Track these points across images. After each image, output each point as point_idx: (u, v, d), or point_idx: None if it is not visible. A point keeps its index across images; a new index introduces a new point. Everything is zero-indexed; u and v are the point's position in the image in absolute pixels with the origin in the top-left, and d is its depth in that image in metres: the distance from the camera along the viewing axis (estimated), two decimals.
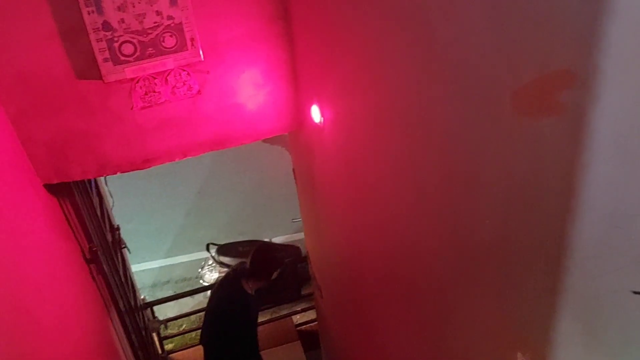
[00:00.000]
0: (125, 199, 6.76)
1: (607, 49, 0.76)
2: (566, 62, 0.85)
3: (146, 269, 7.23)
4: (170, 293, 6.65)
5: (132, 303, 4.24)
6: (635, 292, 0.86)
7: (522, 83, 0.96)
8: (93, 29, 2.22)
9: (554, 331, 1.05)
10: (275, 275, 3.51)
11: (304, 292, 5.54)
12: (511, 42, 0.97)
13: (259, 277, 3.54)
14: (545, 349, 1.09)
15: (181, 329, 6.13)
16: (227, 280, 3.75)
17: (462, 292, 1.45)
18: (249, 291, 3.56)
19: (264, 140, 9.02)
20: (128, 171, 2.62)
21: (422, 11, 1.29)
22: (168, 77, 2.44)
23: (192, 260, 7.28)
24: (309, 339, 5.42)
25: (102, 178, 4.11)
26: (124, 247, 4.46)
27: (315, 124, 2.44)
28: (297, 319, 5.86)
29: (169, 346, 5.76)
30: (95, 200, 3.63)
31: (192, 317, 6.04)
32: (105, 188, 4.19)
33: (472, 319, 1.42)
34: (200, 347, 5.07)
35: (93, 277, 3.17)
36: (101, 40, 2.24)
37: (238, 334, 3.66)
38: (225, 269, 5.87)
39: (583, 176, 0.87)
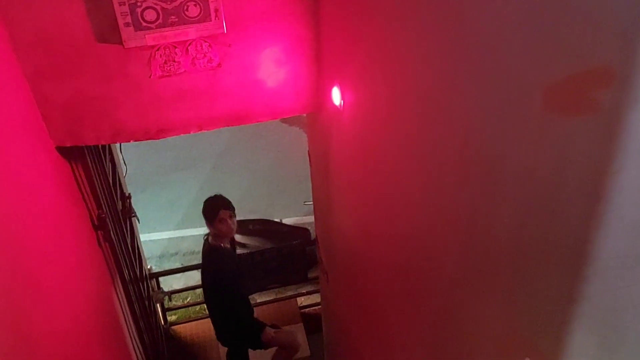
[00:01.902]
0: (140, 169, 6.77)
1: None
2: (606, 59, 0.80)
3: (155, 239, 7.25)
4: (177, 265, 6.66)
5: (138, 272, 4.25)
6: None
7: (556, 78, 0.91)
8: None
9: (567, 341, 1.01)
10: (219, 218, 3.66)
11: (311, 275, 5.53)
12: (547, 35, 0.92)
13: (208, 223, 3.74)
14: (555, 358, 1.05)
15: (186, 301, 6.16)
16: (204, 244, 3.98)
17: (472, 290, 1.41)
18: (215, 243, 3.77)
19: (282, 121, 9.04)
20: (142, 140, 2.60)
21: None
22: (189, 48, 2.39)
23: (202, 234, 7.23)
24: (312, 322, 5.44)
25: (116, 146, 4.10)
26: (134, 216, 4.46)
27: (335, 107, 2.39)
28: (302, 301, 5.86)
29: (172, 318, 5.79)
30: (108, 166, 3.62)
31: (198, 290, 6.05)
32: (120, 155, 4.18)
33: (480, 318, 1.39)
34: (203, 321, 5.12)
35: (100, 244, 3.16)
36: (124, 4, 2.20)
37: (215, 286, 3.86)
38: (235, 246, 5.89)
39: (612, 181, 0.82)
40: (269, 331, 4.04)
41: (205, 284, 3.96)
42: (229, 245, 3.82)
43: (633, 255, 0.83)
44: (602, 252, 0.88)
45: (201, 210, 3.73)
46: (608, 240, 0.87)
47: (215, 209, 3.65)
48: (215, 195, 3.77)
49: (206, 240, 3.85)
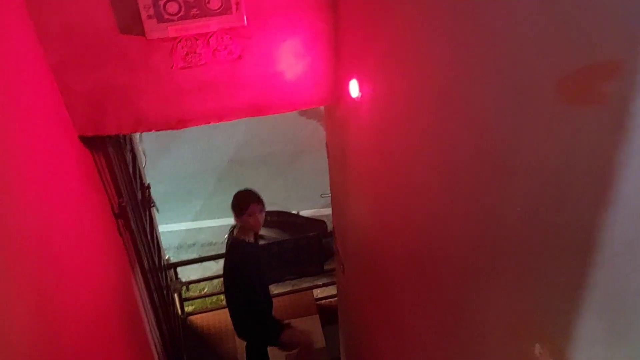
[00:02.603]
0: (160, 160, 6.84)
1: None
2: (613, 52, 0.82)
3: (173, 230, 7.33)
4: (194, 256, 6.73)
5: (157, 262, 4.30)
6: None
7: (569, 70, 0.93)
8: None
9: (576, 326, 1.03)
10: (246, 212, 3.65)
11: (327, 267, 5.55)
12: (558, 30, 0.94)
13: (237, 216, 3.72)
14: (565, 344, 1.08)
15: (203, 292, 6.23)
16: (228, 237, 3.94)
17: (484, 278, 1.43)
18: (240, 237, 3.74)
19: (300, 114, 9.06)
20: (163, 130, 2.64)
21: None
22: (210, 40, 2.43)
23: (219, 226, 7.35)
24: (328, 313, 5.45)
25: (136, 137, 4.15)
26: (153, 206, 4.51)
27: (353, 99, 2.42)
28: (318, 293, 5.89)
29: (189, 308, 5.85)
30: (129, 157, 3.67)
31: (215, 281, 6.12)
32: (140, 146, 4.23)
33: (492, 305, 1.41)
34: (220, 312, 5.15)
35: (120, 233, 3.21)
36: None
37: (235, 280, 3.84)
38: None
39: (620, 170, 0.84)
40: (288, 334, 4.05)
41: (225, 276, 3.98)
42: (253, 240, 3.84)
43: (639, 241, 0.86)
44: (610, 239, 0.90)
45: (231, 203, 3.72)
46: (616, 228, 0.88)
47: (247, 202, 3.65)
48: (246, 189, 3.77)
49: (231, 233, 3.88)
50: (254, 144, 8.71)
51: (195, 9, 2.32)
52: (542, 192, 1.06)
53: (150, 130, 2.62)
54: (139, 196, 3.86)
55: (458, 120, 1.44)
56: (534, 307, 1.18)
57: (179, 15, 2.32)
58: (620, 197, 0.86)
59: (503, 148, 1.21)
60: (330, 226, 5.85)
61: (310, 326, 5.27)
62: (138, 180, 3.99)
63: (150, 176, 4.68)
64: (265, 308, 3.98)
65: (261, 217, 3.70)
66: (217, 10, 2.35)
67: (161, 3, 2.27)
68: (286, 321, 4.23)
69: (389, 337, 2.69)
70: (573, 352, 1.07)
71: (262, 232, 6.37)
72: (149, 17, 2.28)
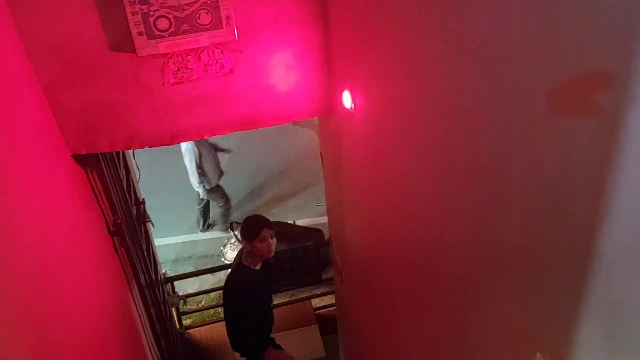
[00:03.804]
0: (152, 173, 6.82)
1: None
2: (606, 62, 0.83)
3: (169, 243, 7.30)
4: (191, 269, 6.71)
5: (153, 277, 4.28)
6: None
7: (559, 81, 0.94)
8: (129, 1, 2.21)
9: (576, 334, 1.03)
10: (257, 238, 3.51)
11: (324, 276, 5.54)
12: (550, 40, 0.95)
13: (247, 242, 3.60)
14: (566, 351, 1.08)
15: (200, 305, 6.19)
16: (235, 259, 3.85)
17: (483, 287, 1.43)
18: (246, 263, 3.63)
19: (293, 123, 9.04)
20: (156, 146, 2.63)
21: (461, 1, 1.26)
22: (201, 55, 2.42)
23: (215, 238, 7.33)
24: (327, 323, 5.44)
25: (129, 151, 4.13)
26: (148, 221, 4.49)
27: (346, 109, 2.41)
28: (316, 302, 5.87)
29: (187, 321, 5.82)
30: (122, 172, 3.65)
31: (212, 294, 6.10)
32: (133, 161, 4.21)
33: (492, 315, 1.41)
34: (218, 325, 5.11)
35: (116, 250, 3.20)
36: (137, 14, 2.24)
37: (232, 303, 3.73)
38: None
39: (615, 178, 0.86)
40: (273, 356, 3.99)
41: (224, 297, 3.89)
42: (259, 268, 3.75)
43: (636, 249, 0.86)
44: (606, 246, 0.91)
45: (240, 229, 3.60)
46: (612, 235, 0.89)
47: (258, 227, 3.50)
48: (256, 214, 3.69)
49: (239, 255, 3.78)
50: (247, 153, 8.69)
51: (185, 25, 2.32)
52: (539, 202, 1.07)
53: (143, 146, 2.61)
54: (134, 212, 3.85)
55: (452, 130, 1.45)
56: (534, 316, 1.18)
57: (170, 31, 2.32)
58: (616, 205, 0.86)
59: (499, 157, 1.21)
60: (327, 235, 5.85)
61: (310, 336, 5.25)
62: (132, 196, 3.97)
63: (144, 188, 4.66)
64: (258, 334, 3.92)
65: (273, 243, 3.60)
66: (208, 25, 2.34)
67: (151, 19, 2.26)
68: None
69: (389, 347, 2.68)
70: (573, 359, 1.07)
71: None
72: (140, 34, 2.28)
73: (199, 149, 6.50)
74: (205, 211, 7.37)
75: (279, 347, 4.11)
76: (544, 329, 1.16)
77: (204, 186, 6.78)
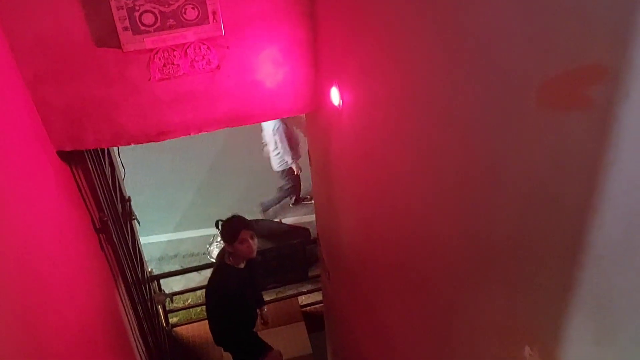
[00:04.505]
0: (138, 172, 6.77)
1: None
2: (598, 56, 0.83)
3: (154, 242, 7.25)
4: (177, 267, 6.68)
5: (140, 275, 4.26)
6: None
7: (550, 76, 0.94)
8: None
9: (565, 327, 1.04)
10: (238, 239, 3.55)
11: (311, 274, 5.55)
12: (542, 33, 0.95)
13: (228, 244, 3.63)
14: (555, 345, 1.09)
15: (186, 303, 6.17)
16: (218, 257, 3.88)
17: (473, 283, 1.43)
18: (229, 263, 3.66)
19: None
20: (142, 142, 2.61)
21: None
22: (187, 50, 2.41)
23: (200, 236, 7.30)
24: (313, 320, 5.45)
25: (115, 148, 4.10)
26: (134, 219, 4.47)
27: (334, 106, 2.41)
28: (303, 300, 5.88)
29: (173, 319, 5.80)
30: (108, 170, 3.63)
31: (198, 292, 6.07)
32: (118, 159, 4.18)
33: (481, 309, 1.42)
34: (205, 322, 5.10)
35: (102, 247, 3.17)
36: (122, 9, 2.21)
37: (215, 301, 3.77)
38: None
39: (606, 173, 0.86)
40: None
41: (206, 293, 3.90)
42: (243, 266, 3.75)
43: (625, 243, 0.86)
44: (597, 241, 0.91)
45: (220, 233, 3.63)
46: (603, 230, 0.89)
47: (236, 230, 3.53)
48: (233, 216, 3.66)
49: (222, 253, 3.79)
50: (233, 152, 8.66)
51: (171, 20, 2.30)
52: (530, 197, 1.07)
53: (129, 143, 2.59)
54: (120, 209, 3.82)
55: (442, 126, 1.44)
56: (523, 310, 1.19)
57: (155, 26, 2.30)
58: (607, 200, 0.87)
59: (489, 152, 1.21)
60: (314, 233, 5.84)
61: (296, 333, 5.25)
62: (118, 193, 3.95)
63: (129, 187, 4.63)
64: (242, 330, 3.93)
65: (254, 243, 3.61)
66: (194, 21, 2.33)
67: (136, 14, 2.24)
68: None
69: (376, 342, 2.69)
70: (562, 352, 1.08)
71: None
72: (125, 29, 2.26)
73: (284, 124, 6.46)
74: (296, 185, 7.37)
75: (263, 343, 4.13)
76: (533, 323, 1.16)
77: (293, 160, 6.73)
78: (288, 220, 7.27)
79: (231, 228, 3.57)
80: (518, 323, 1.22)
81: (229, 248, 3.59)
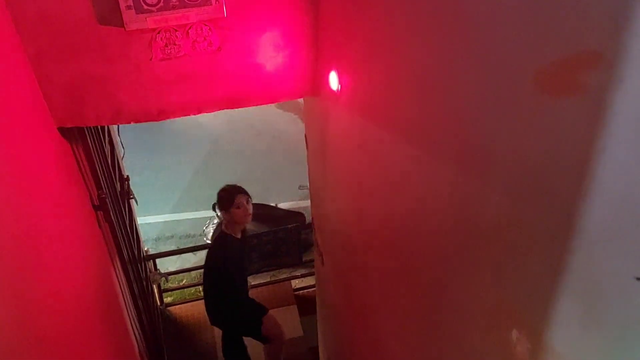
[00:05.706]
0: (137, 152, 6.80)
1: (636, 31, 0.76)
2: (594, 42, 0.85)
3: (151, 222, 7.29)
4: (173, 248, 6.72)
5: (136, 253, 4.29)
6: (638, 279, 0.87)
7: (547, 61, 0.96)
8: None
9: (553, 311, 1.05)
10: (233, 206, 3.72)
11: (305, 258, 5.59)
12: (540, 19, 0.96)
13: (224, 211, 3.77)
14: (542, 328, 1.10)
15: (181, 283, 6.22)
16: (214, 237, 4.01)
17: (461, 266, 1.45)
18: (227, 231, 3.80)
19: (277, 106, 9.05)
20: (142, 121, 2.63)
21: None
22: (189, 31, 2.43)
23: (197, 218, 7.34)
24: (306, 304, 5.50)
25: (114, 128, 4.12)
26: (132, 198, 4.49)
27: (332, 91, 2.43)
28: (296, 283, 5.93)
29: (168, 299, 5.85)
30: (107, 148, 3.65)
31: (193, 273, 6.12)
32: (118, 138, 4.21)
33: (469, 292, 1.43)
34: (198, 303, 5.16)
35: (99, 224, 3.20)
36: None
37: (215, 273, 3.88)
38: None
39: (599, 158, 0.86)
40: (268, 325, 4.12)
41: (206, 266, 3.99)
42: (239, 236, 3.84)
43: (615, 228, 0.88)
44: (587, 225, 0.92)
45: (216, 201, 3.75)
46: (593, 215, 0.91)
47: (232, 194, 3.68)
48: (229, 184, 3.80)
49: (219, 225, 3.93)
50: (231, 136, 8.68)
51: (174, 0, 2.32)
52: (521, 181, 1.09)
53: (130, 121, 2.61)
54: (118, 188, 3.85)
55: (438, 112, 1.47)
56: (511, 293, 1.20)
57: (158, 6, 2.31)
58: (598, 185, 0.88)
59: (483, 138, 1.23)
60: (309, 218, 5.87)
61: (288, 316, 5.31)
62: (117, 172, 3.97)
63: (128, 168, 4.65)
64: (241, 300, 4.01)
65: (250, 208, 3.73)
66: (197, 2, 2.34)
67: None
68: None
69: (366, 326, 2.72)
70: (549, 335, 1.09)
71: None
72: (128, 7, 2.28)
73: None
74: None
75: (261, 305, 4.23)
76: (520, 307, 1.18)
77: None
78: (284, 205, 7.31)
79: (227, 193, 3.72)
80: (506, 307, 1.24)
81: (226, 216, 3.72)
